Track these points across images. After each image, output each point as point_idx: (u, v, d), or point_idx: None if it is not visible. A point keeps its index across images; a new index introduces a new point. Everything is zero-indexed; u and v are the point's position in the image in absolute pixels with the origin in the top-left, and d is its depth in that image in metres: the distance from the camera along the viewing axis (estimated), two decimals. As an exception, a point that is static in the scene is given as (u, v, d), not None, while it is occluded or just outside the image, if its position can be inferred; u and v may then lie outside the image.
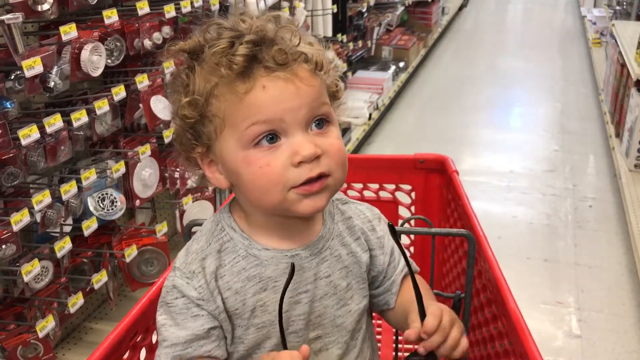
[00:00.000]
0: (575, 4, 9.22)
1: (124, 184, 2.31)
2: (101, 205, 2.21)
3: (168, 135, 2.39)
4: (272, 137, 0.83)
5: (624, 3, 5.41)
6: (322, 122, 0.86)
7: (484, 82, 5.91)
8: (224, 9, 2.68)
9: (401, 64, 5.30)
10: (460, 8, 8.74)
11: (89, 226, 2.00)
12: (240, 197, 0.92)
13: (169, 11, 2.24)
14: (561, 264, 3.07)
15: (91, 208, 2.17)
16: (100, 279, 2.07)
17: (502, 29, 8.54)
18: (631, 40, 4.18)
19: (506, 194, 3.82)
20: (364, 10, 4.65)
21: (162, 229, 2.35)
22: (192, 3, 2.37)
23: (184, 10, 2.33)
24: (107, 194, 2.24)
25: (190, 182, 2.57)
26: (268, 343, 0.92)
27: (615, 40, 4.55)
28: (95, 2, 1.99)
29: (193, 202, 2.59)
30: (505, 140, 4.65)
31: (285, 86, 0.82)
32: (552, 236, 3.33)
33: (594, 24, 6.32)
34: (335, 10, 3.92)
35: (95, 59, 2.00)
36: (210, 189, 2.74)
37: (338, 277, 0.94)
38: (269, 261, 0.91)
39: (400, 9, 5.71)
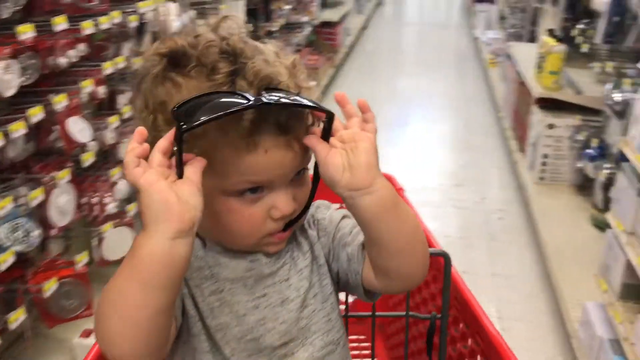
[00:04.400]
0: (467, 27, 9.74)
1: (38, 212, 2.14)
2: (12, 237, 2.03)
3: (87, 159, 2.24)
4: (257, 189, 0.82)
5: (517, 26, 5.77)
6: (301, 170, 0.86)
7: (388, 101, 6.08)
8: (142, 27, 2.57)
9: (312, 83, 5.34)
10: (362, 29, 8.97)
11: (5, 260, 1.83)
12: (204, 227, 0.84)
13: (87, 27, 2.12)
14: (479, 276, 3.17)
15: (3, 240, 1.98)
16: (17, 317, 1.89)
17: (402, 49, 8.87)
18: (527, 60, 4.45)
19: (421, 209, 3.92)
20: (275, 30, 4.65)
21: (82, 259, 2.20)
22: (111, 19, 2.25)
23: (102, 27, 2.21)
24: (19, 224, 2.06)
25: (110, 208, 2.43)
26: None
27: (513, 61, 4.83)
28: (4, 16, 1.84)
29: (114, 228, 2.45)
30: (415, 156, 4.78)
31: (286, 153, 0.81)
32: (467, 249, 3.44)
33: (489, 45, 6.70)
34: (251, 30, 3.88)
35: (7, 78, 1.85)
36: (131, 214, 2.60)
37: (297, 279, 0.90)
38: (227, 263, 0.87)
39: (308, 29, 5.77)
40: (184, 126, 0.71)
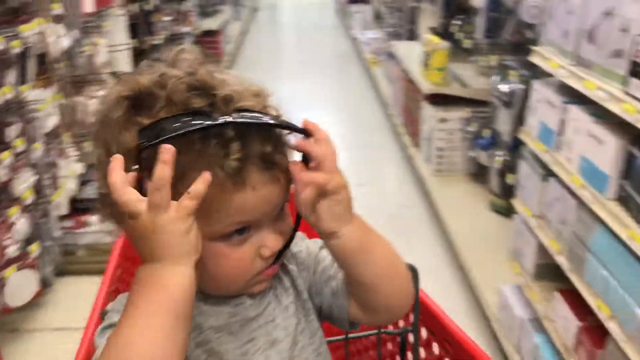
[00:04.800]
0: (343, 27, 9.97)
1: None
2: None
3: (-19, 201, 2.04)
4: (244, 229, 0.79)
5: (395, 25, 5.97)
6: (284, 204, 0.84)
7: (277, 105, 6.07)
8: (26, 52, 2.38)
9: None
10: (241, 35, 8.91)
11: None
12: None
13: (-31, 57, 1.93)
14: (395, 272, 3.25)
15: None
16: None
17: (282, 53, 8.90)
18: (411, 58, 4.62)
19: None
20: (160, 42, 4.50)
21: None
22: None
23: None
24: None
25: (11, 251, 2.23)
26: None
27: (397, 59, 5.00)
28: None
29: (17, 271, 2.25)
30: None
31: (273, 188, 0.78)
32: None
33: (369, 45, 6.88)
34: (135, 45, 3.73)
35: None
36: (34, 254, 2.40)
37: (284, 318, 0.87)
38: (210, 311, 0.82)
39: (190, 39, 5.65)
40: (144, 143, 0.69)
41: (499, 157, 3.40)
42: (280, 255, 0.83)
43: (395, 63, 5.21)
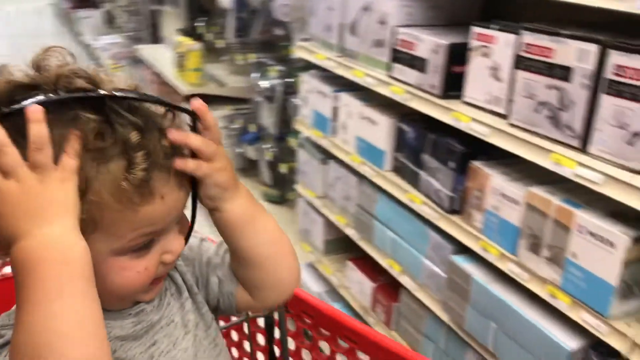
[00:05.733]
0: (70, 34, 9.33)
1: None
2: None
3: None
4: (151, 239, 0.75)
5: (136, 29, 5.81)
6: None
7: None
8: None
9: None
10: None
11: None
12: None
13: None
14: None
15: None
16: None
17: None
18: (162, 61, 4.58)
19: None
20: None
21: None
22: None
23: None
24: None
25: None
26: None
27: (147, 63, 4.90)
28: None
29: None
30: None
31: (179, 193, 0.75)
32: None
33: (107, 50, 6.58)
34: None
35: None
36: None
37: (182, 315, 0.87)
38: (113, 324, 0.79)
39: None
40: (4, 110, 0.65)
41: (267, 150, 3.58)
42: None
43: (144, 67, 5.09)
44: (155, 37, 5.47)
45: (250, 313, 1.17)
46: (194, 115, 0.76)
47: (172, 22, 4.92)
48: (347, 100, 2.26)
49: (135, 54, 5.32)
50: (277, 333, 1.20)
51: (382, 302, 2.24)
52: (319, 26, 2.35)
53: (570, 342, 1.45)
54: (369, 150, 2.15)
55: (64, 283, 0.61)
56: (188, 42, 3.96)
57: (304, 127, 2.58)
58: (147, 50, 5.02)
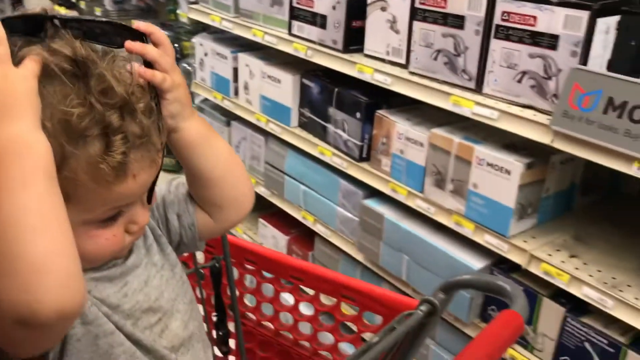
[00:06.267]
0: None
1: None
2: None
3: None
4: (119, 211, 0.77)
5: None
6: None
7: None
8: None
9: None
10: None
11: None
12: None
13: None
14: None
15: None
16: None
17: None
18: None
19: None
20: None
21: None
22: None
23: None
24: None
25: None
26: None
27: (14, 36, 4.60)
28: None
29: None
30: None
31: (150, 170, 0.76)
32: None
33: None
34: None
35: None
36: None
37: (149, 257, 0.90)
38: (87, 267, 0.80)
39: None
40: None
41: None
42: None
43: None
44: (17, 8, 5.11)
45: (198, 264, 1.22)
46: (142, 35, 0.77)
47: (38, -9, 4.63)
48: (248, 61, 2.30)
49: None
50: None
51: (297, 252, 2.35)
52: (212, -12, 2.36)
53: (476, 263, 1.64)
54: (274, 108, 2.22)
55: (27, 175, 0.61)
56: (63, 11, 3.76)
57: (203, 90, 2.59)
58: (13, 22, 4.70)
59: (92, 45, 0.72)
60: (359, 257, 2.02)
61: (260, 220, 2.50)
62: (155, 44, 0.79)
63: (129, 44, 0.75)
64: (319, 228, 2.17)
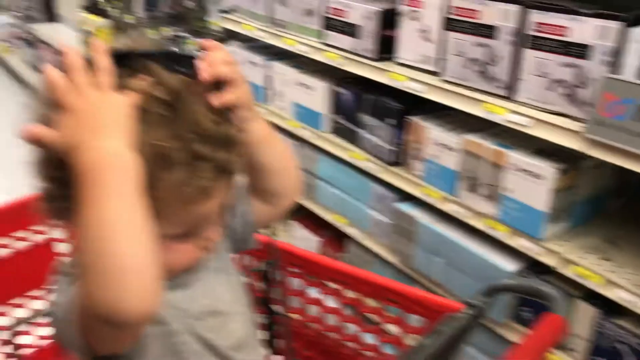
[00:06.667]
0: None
1: None
2: None
3: None
4: (196, 227, 0.84)
5: (29, 8, 5.52)
6: None
7: None
8: None
9: None
10: None
11: None
12: None
13: None
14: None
15: None
16: None
17: None
18: (64, 40, 4.43)
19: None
20: None
21: None
22: None
23: None
24: None
25: None
26: None
27: (46, 43, 4.71)
28: None
29: None
30: None
31: (227, 191, 0.84)
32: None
33: (-6, 32, 6.20)
34: None
35: None
36: None
37: (213, 261, 0.97)
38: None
39: None
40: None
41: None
42: None
43: (42, 47, 4.89)
44: (49, 16, 5.23)
45: (248, 267, 1.29)
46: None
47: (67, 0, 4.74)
48: (280, 68, 2.37)
49: (29, 34, 5.08)
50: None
51: (330, 253, 2.41)
52: (245, -2, 2.43)
53: (510, 265, 1.68)
54: (306, 115, 2.28)
55: (120, 185, 0.69)
56: (95, 19, 3.86)
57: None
58: (44, 30, 4.81)
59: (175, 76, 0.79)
60: (392, 259, 2.07)
61: (292, 222, 2.57)
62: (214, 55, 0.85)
63: (204, 71, 0.81)
64: (351, 230, 2.23)
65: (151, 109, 0.75)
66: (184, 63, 0.81)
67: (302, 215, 2.54)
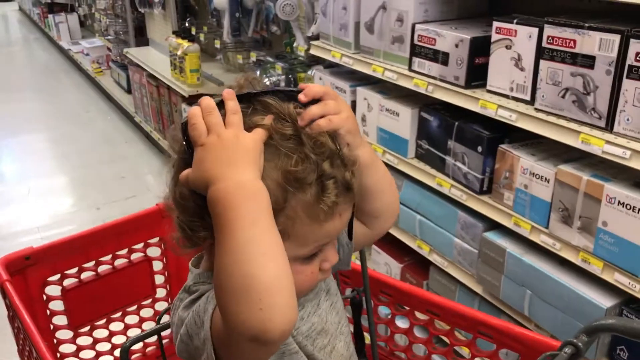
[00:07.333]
0: (45, 40, 9.26)
1: None
2: None
3: None
4: (318, 250, 0.89)
5: (119, 32, 5.84)
6: None
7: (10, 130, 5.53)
8: None
9: None
10: None
11: None
12: None
13: None
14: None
15: None
16: None
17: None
18: (155, 63, 4.66)
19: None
20: None
21: None
22: None
23: None
24: None
25: None
26: None
27: (136, 66, 4.96)
28: None
29: None
30: (72, 182, 4.55)
31: (349, 208, 0.89)
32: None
33: (88, 55, 6.59)
34: None
35: None
36: None
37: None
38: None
39: None
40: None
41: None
42: None
43: (133, 70, 5.14)
44: (140, 40, 5.51)
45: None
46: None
47: (158, 25, 4.98)
48: (366, 94, 2.39)
49: (124, 57, 5.36)
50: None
51: (411, 280, 2.40)
52: (332, 26, 2.47)
53: (605, 301, 1.62)
54: (391, 140, 2.29)
55: (256, 214, 0.75)
56: (185, 44, 4.03)
57: (321, 121, 2.70)
58: (136, 53, 5.07)
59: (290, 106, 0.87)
60: (477, 289, 2.04)
61: (374, 247, 2.57)
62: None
63: (305, 115, 0.87)
64: (434, 258, 2.21)
65: (279, 141, 0.82)
66: (291, 96, 0.88)
67: (385, 240, 2.54)
